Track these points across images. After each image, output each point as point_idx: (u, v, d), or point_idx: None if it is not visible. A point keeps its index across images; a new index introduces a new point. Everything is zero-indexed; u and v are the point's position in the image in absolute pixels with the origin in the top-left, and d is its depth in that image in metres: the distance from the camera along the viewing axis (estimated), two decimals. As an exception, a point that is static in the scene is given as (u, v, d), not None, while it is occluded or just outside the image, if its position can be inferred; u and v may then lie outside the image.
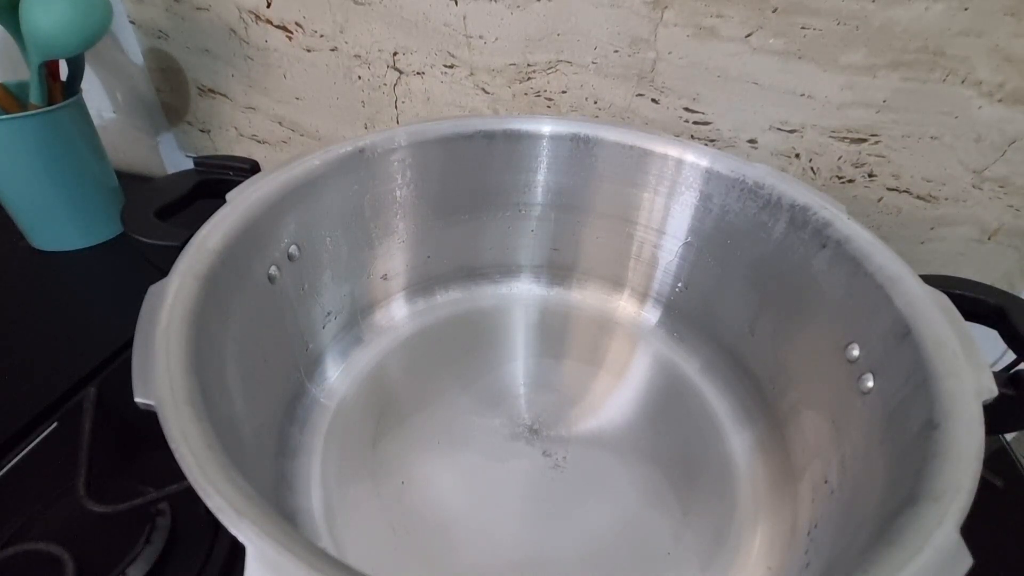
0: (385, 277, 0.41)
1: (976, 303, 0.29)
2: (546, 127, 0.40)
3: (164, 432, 0.18)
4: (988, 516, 0.18)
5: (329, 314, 0.37)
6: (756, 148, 0.43)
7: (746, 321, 0.37)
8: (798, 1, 0.37)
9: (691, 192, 0.38)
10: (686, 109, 0.44)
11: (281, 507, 0.28)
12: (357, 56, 0.50)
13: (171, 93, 0.60)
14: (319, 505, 0.30)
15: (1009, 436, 0.40)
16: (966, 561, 0.16)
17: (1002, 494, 0.35)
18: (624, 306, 0.44)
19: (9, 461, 0.33)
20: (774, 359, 0.35)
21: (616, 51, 0.43)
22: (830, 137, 0.41)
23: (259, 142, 0.60)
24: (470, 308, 0.44)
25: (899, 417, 0.24)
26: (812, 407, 0.31)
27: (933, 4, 0.35)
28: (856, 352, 0.28)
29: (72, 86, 0.49)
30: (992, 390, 0.22)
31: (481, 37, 0.45)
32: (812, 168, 0.43)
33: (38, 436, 0.35)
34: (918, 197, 0.41)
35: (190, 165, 0.36)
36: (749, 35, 0.39)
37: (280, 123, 0.58)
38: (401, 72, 0.50)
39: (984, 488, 0.18)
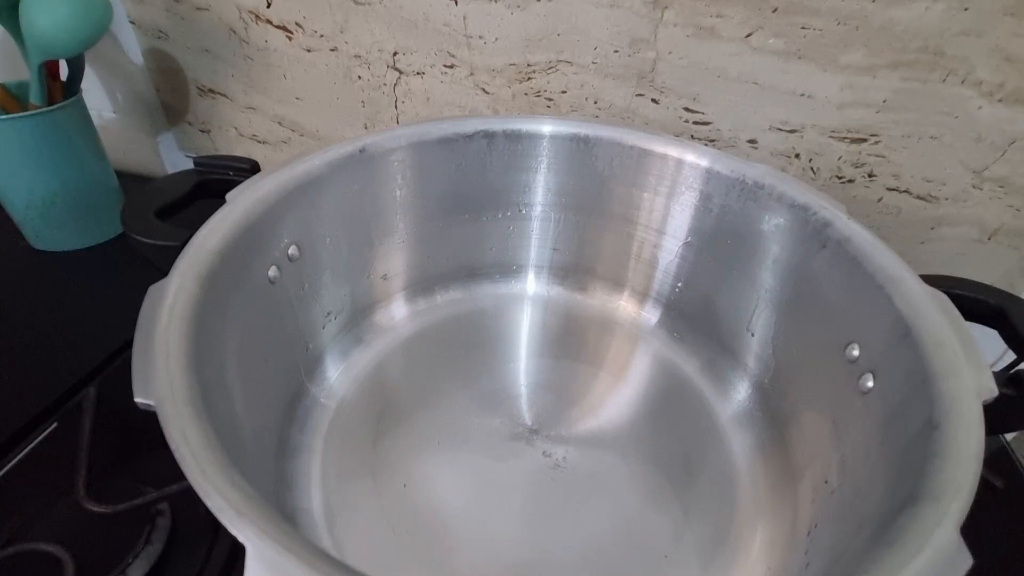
0: (385, 277, 0.41)
1: (976, 303, 0.29)
2: (546, 127, 0.40)
3: (164, 432, 0.18)
4: (988, 516, 0.18)
5: (329, 314, 0.37)
6: (756, 148, 0.43)
7: (746, 321, 0.37)
8: (798, 1, 0.37)
9: (691, 192, 0.38)
10: (686, 109, 0.44)
11: (281, 507, 0.28)
12: (357, 56, 0.50)
13: (171, 93, 0.60)
14: (319, 505, 0.30)
15: (1009, 436, 0.40)
16: (966, 561, 0.16)
17: (1002, 494, 0.35)
18: (624, 306, 0.44)
19: (9, 461, 0.33)
20: (774, 359, 0.35)
21: (616, 51, 0.43)
22: (830, 137, 0.41)
23: (259, 142, 0.60)
24: (470, 308, 0.44)
25: (899, 417, 0.24)
26: (812, 407, 0.31)
27: (933, 4, 0.35)
28: (856, 352, 0.28)
29: (72, 86, 0.49)
30: (992, 390, 0.22)
31: (481, 37, 0.45)
32: (812, 168, 0.43)
33: (38, 436, 0.34)
34: (918, 197, 0.41)
35: (190, 165, 0.36)
36: (749, 35, 0.39)
37: (280, 123, 0.58)
38: (401, 72, 0.50)
39: (984, 488, 0.18)
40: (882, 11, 0.36)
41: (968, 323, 0.25)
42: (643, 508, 0.31)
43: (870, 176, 0.42)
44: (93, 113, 0.51)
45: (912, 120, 0.39)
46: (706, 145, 0.38)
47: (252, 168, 0.36)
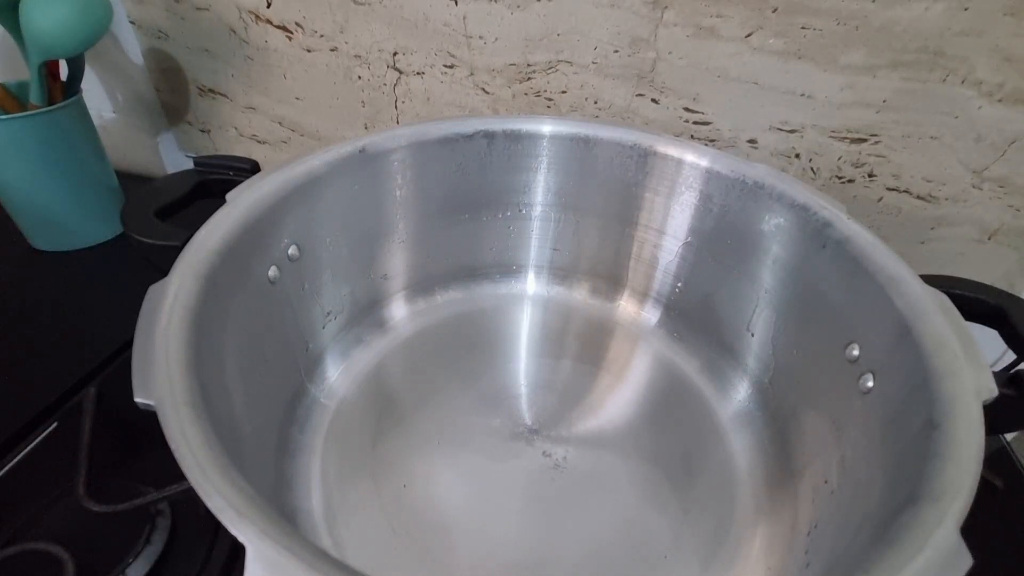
0: (385, 277, 0.41)
1: (976, 303, 0.29)
2: (546, 127, 0.40)
3: (164, 432, 0.18)
4: (988, 516, 0.18)
5: (329, 314, 0.37)
6: (756, 148, 0.43)
7: (746, 321, 0.37)
8: (798, 1, 0.37)
9: (691, 192, 0.38)
10: (686, 109, 0.44)
11: (281, 507, 0.28)
12: (357, 56, 0.50)
13: (171, 93, 0.60)
14: (319, 505, 0.30)
15: (1009, 436, 0.40)
16: (966, 561, 0.16)
17: (1002, 494, 0.35)
18: (624, 306, 0.44)
19: (9, 461, 0.33)
20: (774, 359, 0.35)
21: (616, 51, 0.43)
22: (830, 137, 0.41)
23: (259, 142, 0.60)
24: (470, 308, 0.44)
25: (899, 417, 0.24)
26: (812, 407, 0.31)
27: (933, 4, 0.35)
28: (856, 352, 0.28)
29: (72, 86, 0.49)
30: (992, 390, 0.22)
31: (481, 37, 0.45)
32: (812, 168, 0.43)
33: (38, 436, 0.34)
34: (918, 197, 0.41)
35: (190, 165, 0.36)
36: (749, 35, 0.39)
37: (280, 123, 0.58)
38: (401, 72, 0.50)
39: (984, 488, 0.18)
40: (882, 11, 0.36)
41: (968, 323, 0.25)
42: (643, 508, 0.31)
43: (870, 176, 0.42)
44: (93, 113, 0.51)
45: (912, 120, 0.39)
46: (706, 145, 0.38)
47: (252, 168, 0.36)
